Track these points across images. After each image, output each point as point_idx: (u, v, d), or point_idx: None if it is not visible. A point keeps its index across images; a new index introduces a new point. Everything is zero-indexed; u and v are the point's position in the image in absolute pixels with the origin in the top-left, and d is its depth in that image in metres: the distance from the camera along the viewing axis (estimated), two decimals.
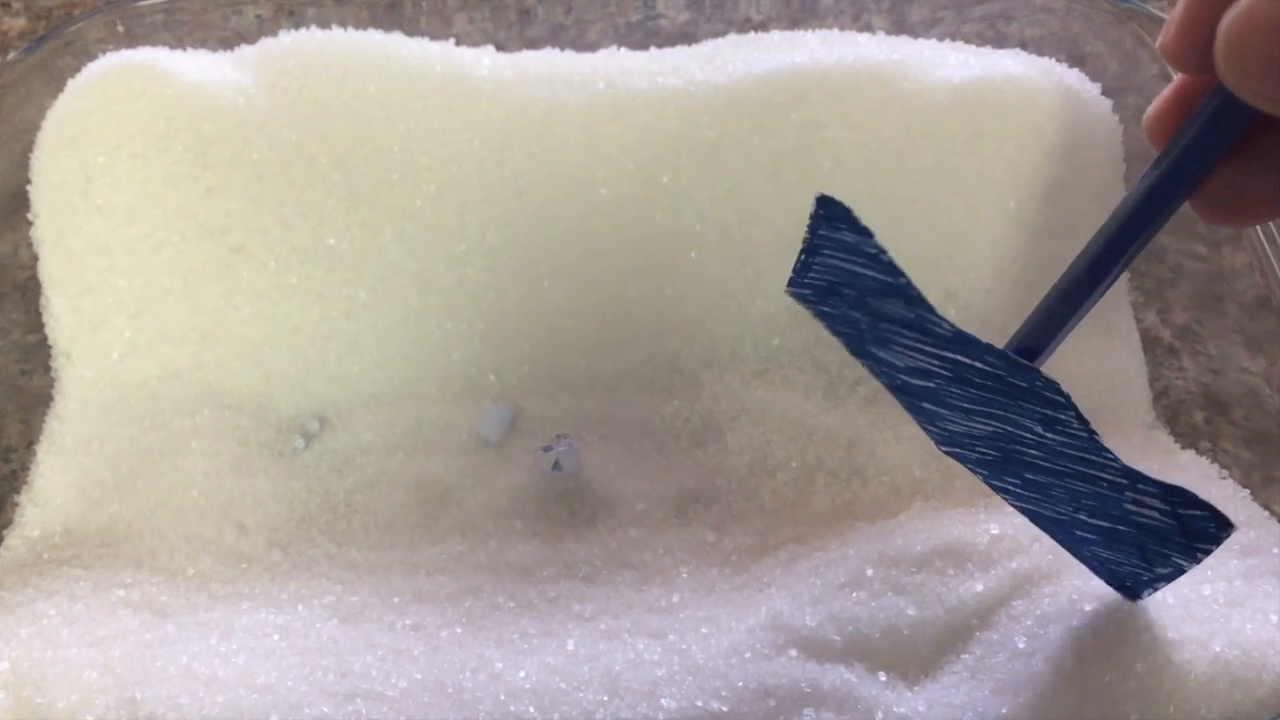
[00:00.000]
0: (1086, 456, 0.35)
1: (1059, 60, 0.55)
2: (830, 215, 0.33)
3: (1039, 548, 0.41)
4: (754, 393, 0.52)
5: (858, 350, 0.36)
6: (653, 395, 0.53)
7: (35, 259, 0.52)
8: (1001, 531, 0.42)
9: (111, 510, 0.48)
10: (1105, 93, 0.55)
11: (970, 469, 0.38)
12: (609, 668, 0.39)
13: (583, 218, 0.52)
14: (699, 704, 0.37)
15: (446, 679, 0.39)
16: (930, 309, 0.34)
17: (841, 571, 0.42)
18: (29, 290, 0.53)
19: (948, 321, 0.34)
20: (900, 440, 0.50)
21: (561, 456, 0.49)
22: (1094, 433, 0.34)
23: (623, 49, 0.55)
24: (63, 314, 0.52)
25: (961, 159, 0.52)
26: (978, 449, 0.36)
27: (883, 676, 0.39)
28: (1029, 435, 0.35)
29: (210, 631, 0.41)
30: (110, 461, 0.49)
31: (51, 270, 0.52)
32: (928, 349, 0.34)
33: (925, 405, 0.36)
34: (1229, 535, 0.35)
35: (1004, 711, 0.37)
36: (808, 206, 0.52)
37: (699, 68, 0.53)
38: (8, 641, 0.40)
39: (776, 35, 0.56)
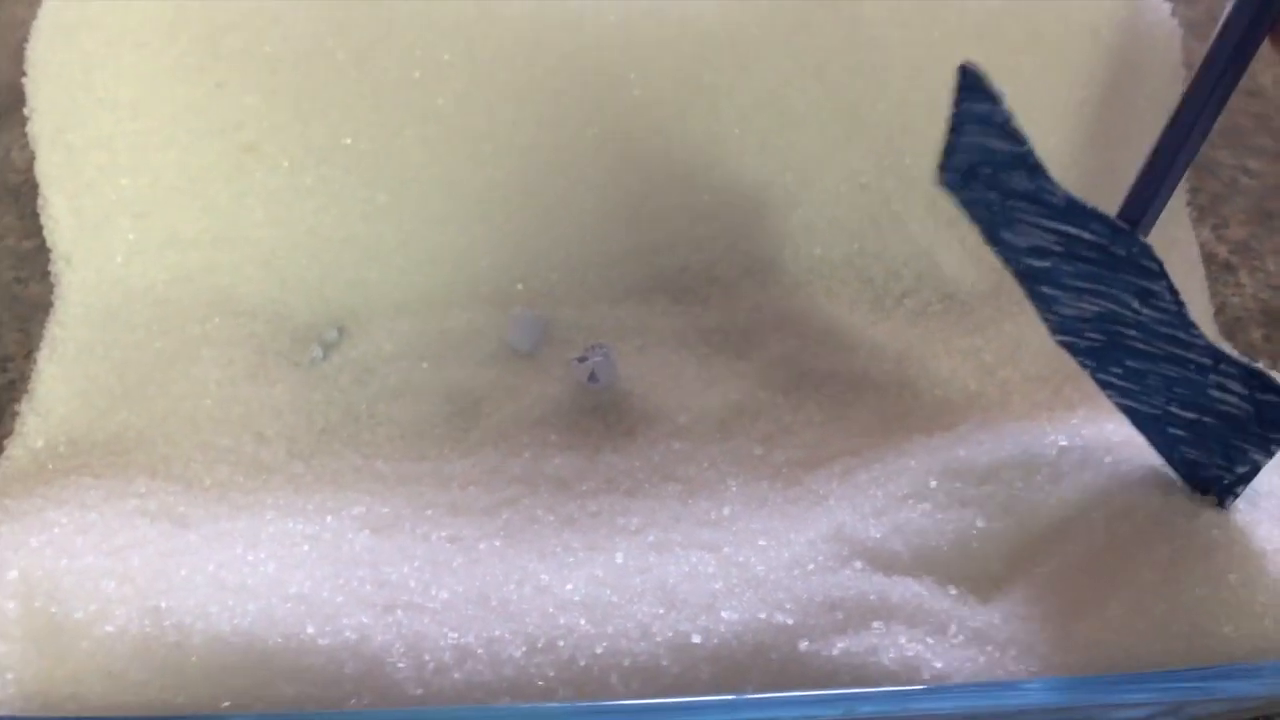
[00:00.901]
0: (1176, 335, 0.35)
1: None
2: (969, 85, 0.34)
3: (1111, 460, 0.39)
4: (795, 304, 0.50)
5: (991, 236, 0.37)
6: (690, 305, 0.50)
7: (29, 162, 0.49)
8: (1070, 444, 0.40)
9: (120, 418, 0.45)
10: None
11: (1080, 361, 0.38)
12: (663, 580, 0.37)
13: (617, 118, 0.50)
14: (762, 616, 0.35)
15: (490, 591, 0.36)
16: (1048, 177, 0.35)
17: (904, 483, 0.40)
18: (23, 195, 0.51)
19: (1061, 189, 0.35)
20: (951, 354, 0.48)
21: (597, 367, 0.46)
22: (1182, 304, 0.35)
23: None
24: (62, 215, 0.49)
25: (1016, 60, 0.49)
26: (1086, 334, 0.37)
27: (953, 590, 0.37)
28: (1128, 313, 0.36)
29: (235, 540, 0.38)
30: (116, 368, 0.47)
31: (50, 168, 0.49)
32: (1043, 222, 0.35)
33: (1043, 289, 0.37)
34: None
35: (1087, 627, 0.35)
36: (853, 108, 0.51)
37: None
38: (16, 550, 0.37)
39: None
